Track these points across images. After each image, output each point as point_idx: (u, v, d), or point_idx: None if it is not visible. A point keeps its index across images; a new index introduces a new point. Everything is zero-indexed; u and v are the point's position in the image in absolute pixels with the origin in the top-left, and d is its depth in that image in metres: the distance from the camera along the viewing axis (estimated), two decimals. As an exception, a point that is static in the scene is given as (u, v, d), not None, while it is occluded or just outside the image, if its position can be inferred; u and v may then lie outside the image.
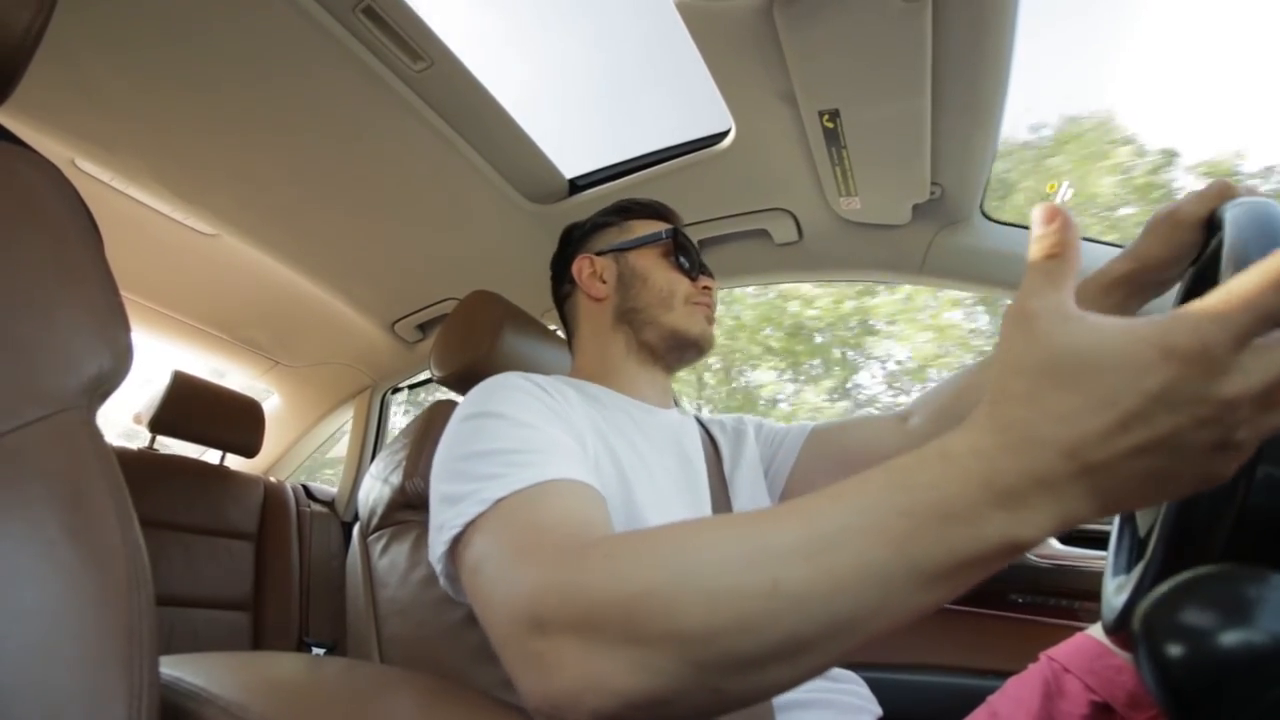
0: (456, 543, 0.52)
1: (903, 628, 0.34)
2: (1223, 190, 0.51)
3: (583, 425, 0.66)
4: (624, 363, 0.84)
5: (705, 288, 0.86)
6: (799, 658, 0.34)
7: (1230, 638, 0.29)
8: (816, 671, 0.35)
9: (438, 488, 0.58)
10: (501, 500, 0.49)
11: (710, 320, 0.86)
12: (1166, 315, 0.30)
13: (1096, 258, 0.64)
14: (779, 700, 0.62)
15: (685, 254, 0.86)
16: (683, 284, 0.85)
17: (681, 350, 0.85)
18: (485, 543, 0.49)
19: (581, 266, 0.88)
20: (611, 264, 0.87)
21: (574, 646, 0.37)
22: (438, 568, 0.56)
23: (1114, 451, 0.30)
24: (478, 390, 0.66)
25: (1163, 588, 0.32)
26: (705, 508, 0.75)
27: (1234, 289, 0.29)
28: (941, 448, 0.34)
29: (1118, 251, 0.55)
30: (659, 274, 0.85)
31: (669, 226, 0.89)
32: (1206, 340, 0.28)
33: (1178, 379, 0.29)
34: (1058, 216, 0.34)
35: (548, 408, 0.63)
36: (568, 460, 0.55)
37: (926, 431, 0.77)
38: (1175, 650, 0.30)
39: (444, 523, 0.53)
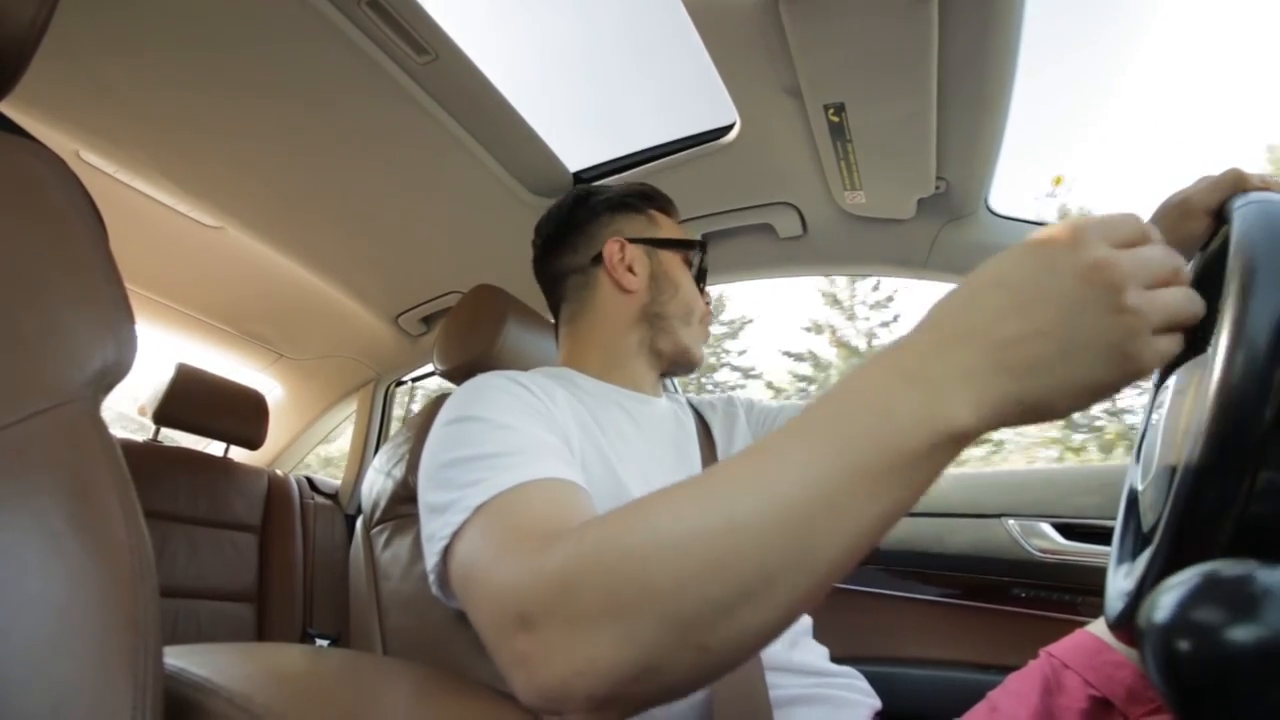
0: (446, 553, 0.51)
1: (864, 550, 0.35)
2: (1235, 180, 0.50)
3: (567, 422, 0.65)
4: (631, 359, 0.81)
5: (708, 305, 0.86)
6: (768, 594, 0.34)
7: (1238, 633, 0.28)
8: (790, 611, 0.35)
9: (424, 497, 0.57)
10: (482, 506, 0.49)
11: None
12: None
13: None
14: (777, 696, 0.62)
15: (703, 273, 0.86)
16: (699, 302, 0.84)
17: (681, 367, 0.85)
18: (470, 550, 0.48)
19: (613, 250, 0.82)
20: (644, 257, 0.83)
21: (558, 635, 0.37)
22: (431, 577, 0.56)
23: (1017, 329, 0.34)
24: (458, 394, 0.65)
25: (1168, 583, 0.32)
26: None
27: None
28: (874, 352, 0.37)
29: None
30: (688, 286, 0.83)
31: (700, 240, 0.88)
32: (1075, 222, 0.36)
33: (1053, 251, 0.35)
34: None
35: (529, 406, 0.62)
36: (549, 458, 0.54)
37: None
38: (1182, 646, 0.29)
39: (433, 533, 0.53)
